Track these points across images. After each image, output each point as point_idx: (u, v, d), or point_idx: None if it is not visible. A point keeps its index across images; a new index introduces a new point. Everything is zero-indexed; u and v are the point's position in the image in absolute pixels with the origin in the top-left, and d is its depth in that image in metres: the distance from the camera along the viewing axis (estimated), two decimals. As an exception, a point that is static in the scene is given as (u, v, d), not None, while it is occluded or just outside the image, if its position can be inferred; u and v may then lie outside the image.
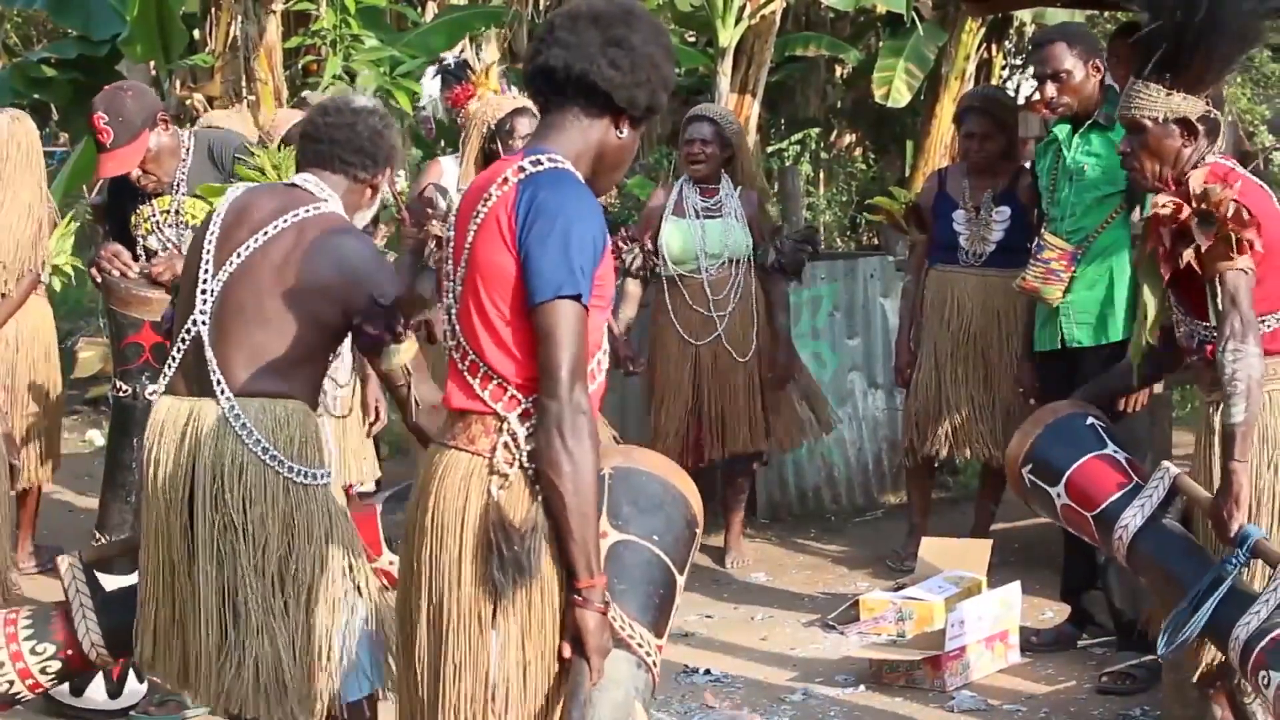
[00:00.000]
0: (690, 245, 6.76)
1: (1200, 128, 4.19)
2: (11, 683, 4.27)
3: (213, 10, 9.43)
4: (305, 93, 8.46)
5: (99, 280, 5.75)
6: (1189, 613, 4.10)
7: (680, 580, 3.38)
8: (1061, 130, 5.78)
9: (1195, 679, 4.39)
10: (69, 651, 4.28)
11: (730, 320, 6.78)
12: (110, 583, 4.48)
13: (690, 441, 6.81)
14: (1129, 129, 4.25)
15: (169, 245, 5.67)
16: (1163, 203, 4.15)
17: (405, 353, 3.94)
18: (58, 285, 6.91)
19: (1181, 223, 4.11)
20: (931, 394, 6.66)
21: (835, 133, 14.32)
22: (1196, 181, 4.13)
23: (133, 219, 5.71)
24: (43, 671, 4.29)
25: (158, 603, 4.03)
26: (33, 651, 4.26)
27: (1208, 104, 4.22)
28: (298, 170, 4.20)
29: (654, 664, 3.28)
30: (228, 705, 3.97)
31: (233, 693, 3.92)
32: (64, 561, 4.38)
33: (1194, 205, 4.11)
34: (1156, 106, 4.18)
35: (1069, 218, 5.71)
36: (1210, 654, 4.29)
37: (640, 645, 3.24)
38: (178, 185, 5.65)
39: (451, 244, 3.21)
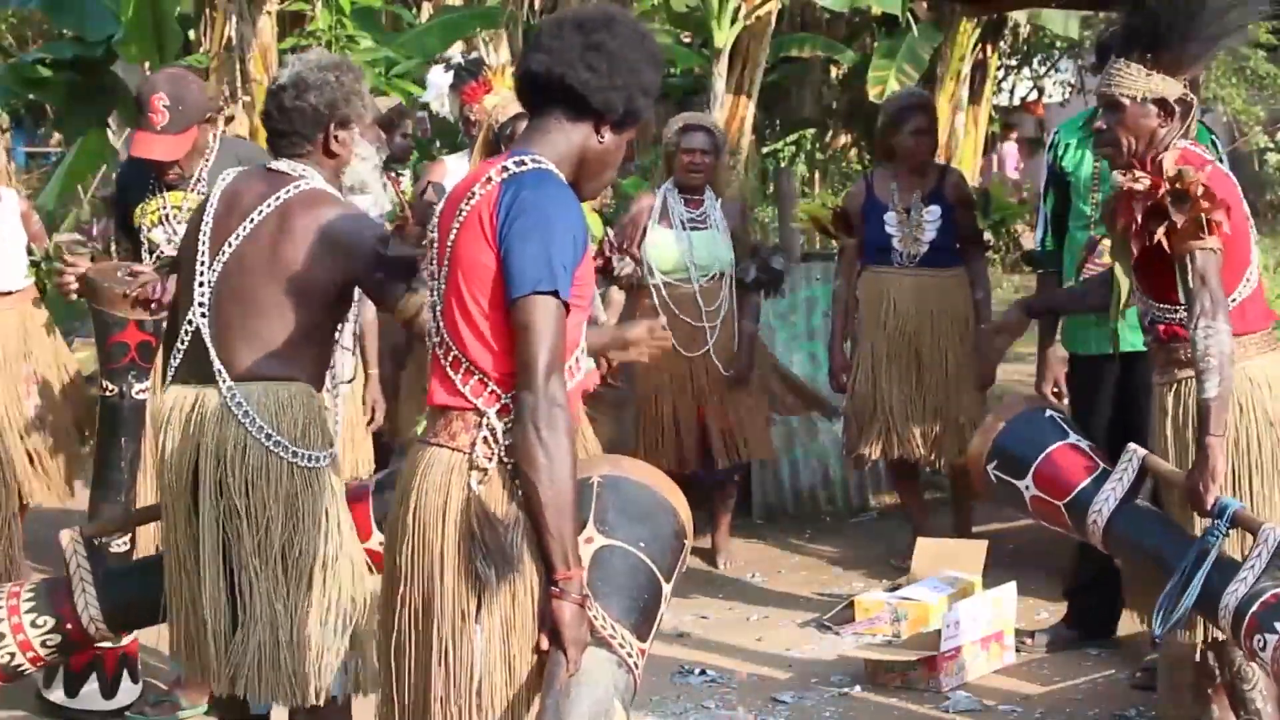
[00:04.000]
0: (680, 256, 6.76)
1: (1176, 109, 4.26)
2: (12, 655, 4.31)
3: (207, 11, 9.42)
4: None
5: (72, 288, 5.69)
6: (1179, 590, 4.16)
7: (666, 589, 3.38)
8: None
9: (1196, 661, 4.40)
10: (69, 625, 4.31)
11: (719, 332, 6.78)
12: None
13: (679, 451, 6.80)
14: (1107, 106, 4.31)
15: (174, 240, 5.62)
16: (1138, 177, 4.21)
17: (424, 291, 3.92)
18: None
19: (1157, 200, 4.18)
20: (867, 395, 6.68)
21: (830, 133, 14.36)
22: (1170, 162, 4.20)
23: (137, 210, 5.66)
24: (43, 644, 4.33)
25: (179, 588, 4.08)
26: (33, 624, 4.30)
27: (1185, 87, 4.28)
28: (275, 159, 4.21)
29: (635, 666, 3.28)
30: (236, 687, 4.01)
31: (239, 674, 3.97)
32: (65, 535, 4.41)
33: (1168, 185, 4.17)
34: (1136, 85, 4.25)
35: None
36: (1202, 633, 4.32)
37: (622, 646, 3.24)
38: (196, 182, 5.60)
39: (435, 243, 3.25)
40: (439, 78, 6.69)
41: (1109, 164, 4.45)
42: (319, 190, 4.10)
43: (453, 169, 6.52)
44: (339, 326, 4.19)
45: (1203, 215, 4.13)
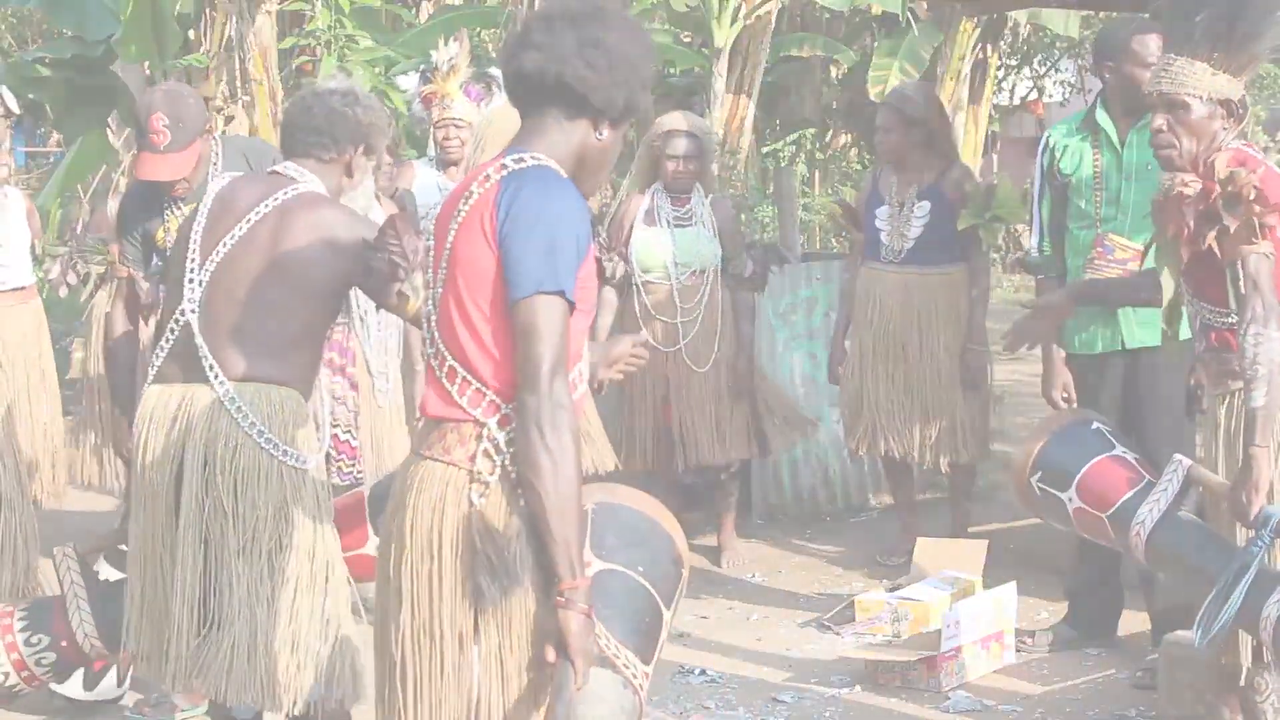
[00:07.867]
0: (660, 254, 6.73)
1: (1239, 111, 4.16)
2: (6, 674, 4.29)
3: (207, 10, 9.43)
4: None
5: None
6: (1220, 601, 4.07)
7: (667, 615, 3.32)
8: (1106, 123, 5.59)
9: (1240, 676, 4.36)
10: (64, 643, 4.31)
11: (695, 330, 6.75)
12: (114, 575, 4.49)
13: (659, 451, 6.79)
14: (1167, 106, 4.17)
15: None
16: (1190, 182, 4.11)
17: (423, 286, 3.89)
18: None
19: (1209, 204, 4.07)
20: (854, 390, 6.70)
21: (830, 133, 14.35)
22: (1222, 164, 4.09)
23: (160, 231, 5.64)
24: (38, 663, 4.32)
25: (143, 586, 4.05)
26: (27, 643, 4.29)
27: (1244, 88, 4.19)
28: (284, 155, 4.23)
29: (640, 688, 3.23)
30: (203, 687, 3.98)
31: (208, 673, 3.93)
32: (59, 553, 4.40)
33: (1220, 188, 4.06)
34: (1202, 85, 4.12)
35: (1135, 218, 5.47)
36: (1246, 647, 4.24)
37: (627, 667, 3.19)
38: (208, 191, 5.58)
39: (431, 247, 3.16)
40: (409, 80, 6.69)
41: (1161, 165, 4.33)
42: (316, 192, 4.10)
43: (421, 172, 6.53)
44: (329, 332, 4.19)
45: (1255, 219, 4.02)
